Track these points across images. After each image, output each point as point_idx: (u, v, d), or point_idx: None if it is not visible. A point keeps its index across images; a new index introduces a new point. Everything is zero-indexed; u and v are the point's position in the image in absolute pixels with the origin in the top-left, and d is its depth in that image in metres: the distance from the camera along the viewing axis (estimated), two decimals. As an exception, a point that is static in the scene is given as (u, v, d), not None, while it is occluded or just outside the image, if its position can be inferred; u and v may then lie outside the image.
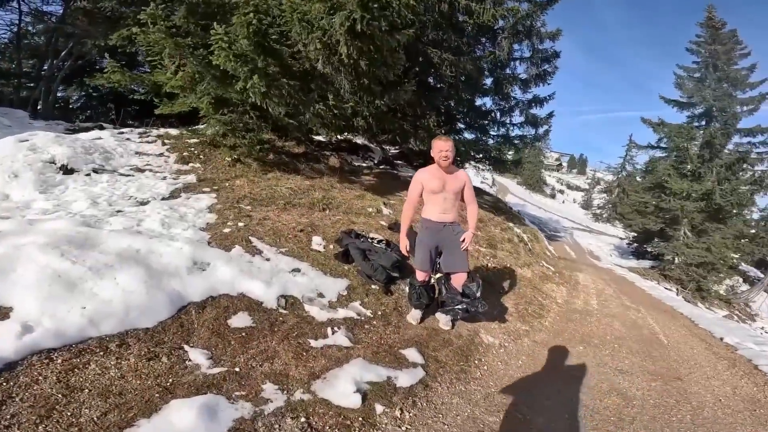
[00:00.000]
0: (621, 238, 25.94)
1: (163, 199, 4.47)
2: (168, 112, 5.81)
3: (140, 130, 6.89)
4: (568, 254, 14.31)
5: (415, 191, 3.30)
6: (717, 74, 18.10)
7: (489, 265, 5.71)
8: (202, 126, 6.26)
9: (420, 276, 3.38)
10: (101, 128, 6.85)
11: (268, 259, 3.55)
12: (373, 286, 3.74)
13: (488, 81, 10.12)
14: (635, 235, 21.81)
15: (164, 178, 5.14)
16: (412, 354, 3.00)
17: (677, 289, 15.06)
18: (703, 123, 18.53)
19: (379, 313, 3.45)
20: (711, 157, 17.25)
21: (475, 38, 8.91)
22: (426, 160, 10.89)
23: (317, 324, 3.02)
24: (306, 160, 7.06)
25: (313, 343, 2.81)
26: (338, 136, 7.84)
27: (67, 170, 4.73)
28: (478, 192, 11.77)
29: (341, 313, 3.26)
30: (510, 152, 11.66)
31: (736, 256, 18.27)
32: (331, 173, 6.92)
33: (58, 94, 10.72)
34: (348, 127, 6.61)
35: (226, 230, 3.82)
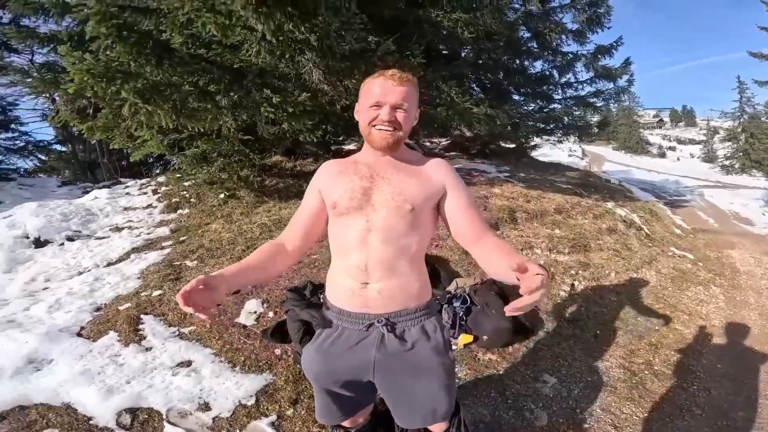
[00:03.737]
0: None
1: (108, 264, 3.78)
2: (140, 158, 5.13)
3: (144, 180, 6.50)
4: (706, 222, 10.19)
5: (305, 207, 1.29)
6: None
7: (575, 285, 3.57)
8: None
9: (346, 423, 1.42)
10: (117, 184, 6.62)
11: (148, 349, 2.35)
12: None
13: (526, 35, 8.44)
14: None
15: (138, 235, 4.44)
16: None
17: None
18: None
19: (308, 436, 1.89)
20: None
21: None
22: (483, 145, 8.98)
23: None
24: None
25: None
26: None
27: (39, 243, 4.33)
28: (556, 168, 9.20)
29: (228, 441, 1.82)
30: (594, 115, 9.64)
31: None
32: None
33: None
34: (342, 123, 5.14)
35: (123, 306, 2.73)
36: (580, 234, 4.30)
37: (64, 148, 12.32)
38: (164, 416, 1.96)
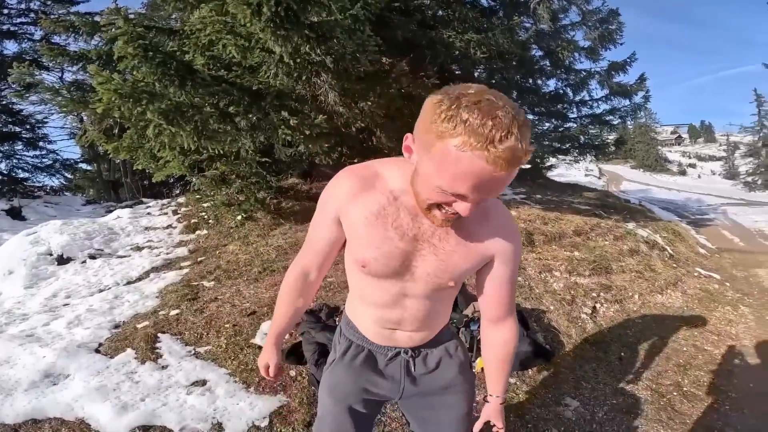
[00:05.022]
0: None
1: (128, 283, 3.84)
2: (161, 179, 5.26)
3: (164, 201, 6.64)
4: (731, 242, 9.83)
5: (322, 237, 1.03)
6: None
7: (597, 308, 3.45)
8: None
9: None
10: (139, 204, 6.78)
11: (164, 368, 2.34)
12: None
13: (538, 53, 8.48)
14: None
15: (158, 255, 4.53)
16: None
17: None
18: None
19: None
20: None
21: (502, 10, 7.41)
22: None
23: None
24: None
25: None
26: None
27: (62, 260, 4.44)
28: (573, 188, 9.08)
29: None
30: (610, 133, 9.66)
31: None
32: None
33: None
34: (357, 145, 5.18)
35: (141, 324, 2.76)
36: (600, 256, 4.20)
37: (89, 167, 12.68)
38: None
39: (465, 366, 1.17)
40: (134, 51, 3.11)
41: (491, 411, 1.14)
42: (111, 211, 6.24)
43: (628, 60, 8.62)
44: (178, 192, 9.02)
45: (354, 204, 0.91)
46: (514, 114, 0.67)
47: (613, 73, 8.63)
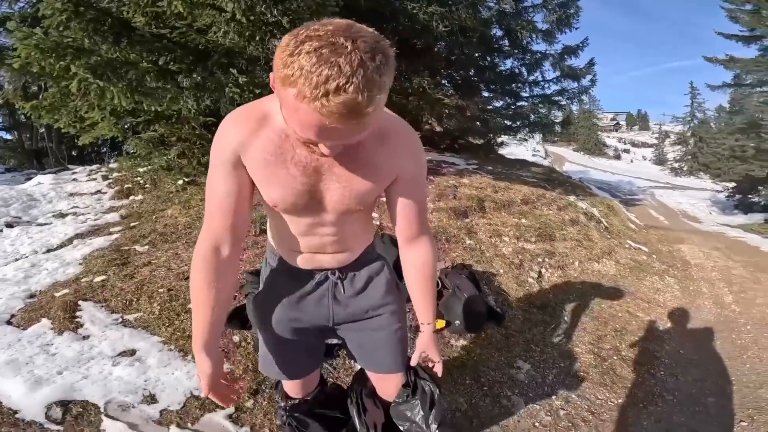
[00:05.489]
0: (716, 191, 21.25)
1: (48, 251, 3.41)
2: (90, 145, 4.78)
3: (93, 167, 6.04)
4: (657, 220, 10.84)
5: (221, 191, 0.89)
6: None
7: (542, 272, 3.57)
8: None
9: (289, 387, 1.32)
10: (64, 171, 6.12)
11: (85, 338, 2.11)
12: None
13: (498, 33, 8.62)
14: (734, 185, 17.67)
15: (84, 221, 4.08)
16: None
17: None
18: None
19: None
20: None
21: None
22: (452, 140, 8.85)
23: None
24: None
25: None
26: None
27: (-26, 230, 3.90)
28: (522, 164, 9.29)
29: (173, 438, 1.63)
30: (557, 113, 10.10)
31: None
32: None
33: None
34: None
35: (60, 293, 2.44)
36: (545, 224, 4.37)
37: (9, 136, 11.48)
38: (102, 409, 1.74)
39: (392, 285, 1.16)
40: (62, 6, 2.75)
41: (425, 341, 1.14)
42: (31, 179, 5.57)
43: (580, 44, 8.94)
44: (109, 159, 8.27)
45: (250, 146, 0.86)
46: (364, 60, 0.60)
47: (565, 56, 8.93)
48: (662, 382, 2.45)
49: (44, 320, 2.19)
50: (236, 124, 0.87)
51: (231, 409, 1.81)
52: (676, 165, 35.07)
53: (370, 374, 1.27)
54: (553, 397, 2.19)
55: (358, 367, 1.43)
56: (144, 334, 2.14)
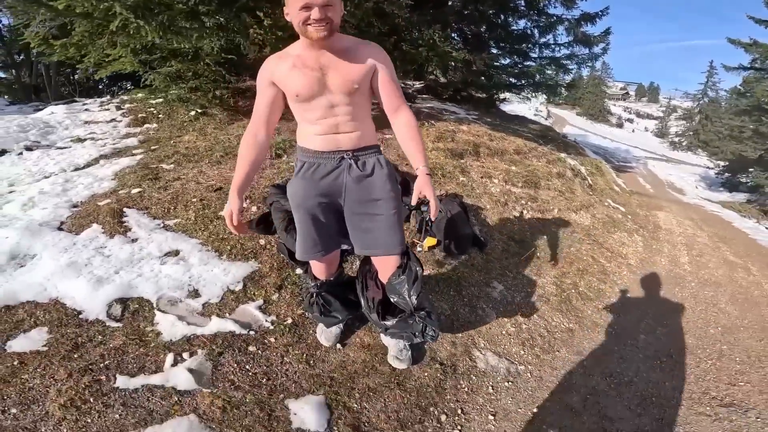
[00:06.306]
0: (708, 168, 21.56)
1: (76, 169, 3.68)
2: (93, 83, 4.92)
3: (104, 98, 6.17)
4: (643, 188, 11.19)
5: (262, 101, 1.52)
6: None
7: (523, 213, 3.99)
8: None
9: (317, 269, 1.83)
10: (73, 102, 6.23)
11: (134, 240, 2.46)
12: (297, 271, 2.43)
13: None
14: (725, 164, 18.25)
15: (104, 145, 4.34)
16: (307, 416, 1.69)
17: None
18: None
19: (289, 321, 2.15)
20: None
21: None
22: (455, 91, 8.90)
23: (159, 346, 1.86)
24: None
25: (122, 382, 1.66)
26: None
27: (-3, 152, 4.14)
28: (521, 120, 9.53)
29: (215, 324, 2.03)
30: (565, 77, 9.85)
31: None
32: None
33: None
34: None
35: (103, 202, 2.79)
36: (533, 173, 4.73)
37: (4, 75, 11.34)
38: (155, 305, 2.04)
39: (392, 176, 1.61)
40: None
41: (420, 182, 1.47)
42: (40, 110, 5.69)
43: (600, 12, 8.72)
44: (110, 91, 8.28)
45: (277, 69, 1.46)
46: None
47: (582, 22, 8.74)
48: (606, 317, 2.93)
49: (95, 225, 2.51)
50: (269, 61, 1.49)
51: (260, 301, 2.23)
52: (676, 139, 35.37)
53: (373, 259, 1.71)
54: (519, 314, 2.66)
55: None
56: (184, 237, 2.50)
